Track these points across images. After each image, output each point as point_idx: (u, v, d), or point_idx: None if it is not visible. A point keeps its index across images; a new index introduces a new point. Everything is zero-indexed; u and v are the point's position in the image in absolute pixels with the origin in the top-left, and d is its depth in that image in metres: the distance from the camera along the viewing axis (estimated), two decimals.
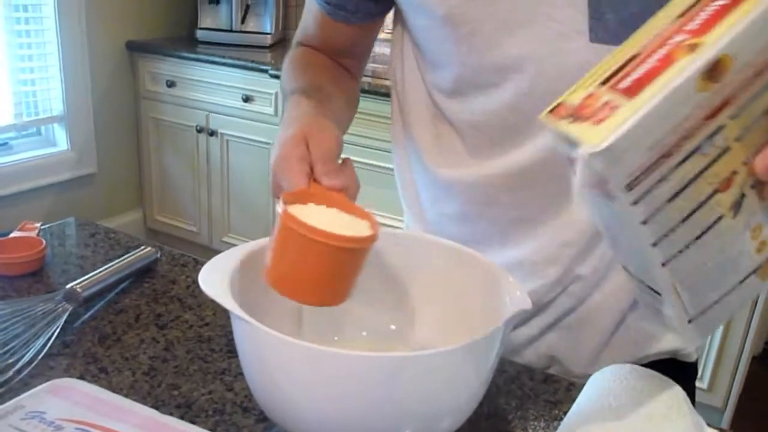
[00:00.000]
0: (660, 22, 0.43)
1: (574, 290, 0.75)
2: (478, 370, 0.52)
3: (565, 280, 0.74)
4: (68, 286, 0.73)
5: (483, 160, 0.74)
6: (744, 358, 1.85)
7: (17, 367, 0.62)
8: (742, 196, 0.45)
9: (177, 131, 2.64)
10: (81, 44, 2.51)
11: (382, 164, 2.12)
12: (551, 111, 0.44)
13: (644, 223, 0.43)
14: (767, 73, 0.42)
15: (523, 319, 0.78)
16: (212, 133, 2.54)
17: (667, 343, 0.79)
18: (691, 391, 0.80)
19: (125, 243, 0.91)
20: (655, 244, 0.44)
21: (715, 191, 0.44)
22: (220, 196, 2.61)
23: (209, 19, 2.68)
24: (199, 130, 2.56)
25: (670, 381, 0.57)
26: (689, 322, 0.50)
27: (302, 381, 0.49)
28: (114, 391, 0.60)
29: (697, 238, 0.45)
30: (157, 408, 0.58)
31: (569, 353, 0.78)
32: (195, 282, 0.81)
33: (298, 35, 0.85)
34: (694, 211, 0.44)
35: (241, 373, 0.56)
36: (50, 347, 0.66)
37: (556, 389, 0.67)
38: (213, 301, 0.50)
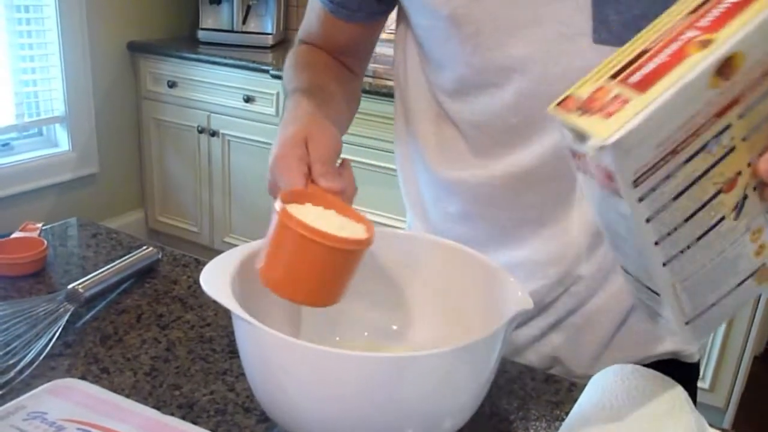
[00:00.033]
0: (669, 18, 0.43)
1: (576, 291, 0.75)
2: (479, 371, 0.52)
3: (567, 281, 0.74)
4: (70, 286, 0.73)
5: (486, 161, 0.74)
6: (746, 358, 1.85)
7: (19, 367, 0.62)
8: (744, 197, 0.45)
9: (178, 132, 2.65)
10: (82, 45, 2.51)
11: (383, 164, 2.12)
12: (559, 104, 0.43)
13: (648, 221, 0.43)
14: None
15: (524, 319, 0.78)
16: (213, 134, 2.54)
17: (668, 344, 0.79)
18: (692, 391, 0.80)
19: (127, 243, 0.91)
20: (657, 243, 0.44)
21: (719, 191, 0.44)
22: (222, 196, 2.61)
23: (210, 19, 2.68)
24: (201, 131, 2.56)
25: (672, 381, 0.57)
26: (686, 323, 0.50)
27: (304, 381, 0.49)
28: (115, 391, 0.60)
29: (699, 238, 0.45)
30: (158, 408, 0.58)
31: (571, 354, 0.78)
32: (196, 282, 0.81)
33: (300, 33, 0.85)
34: (697, 211, 0.44)
35: (243, 374, 0.56)
36: (52, 348, 0.66)
37: (558, 389, 0.67)
38: (214, 302, 0.50)
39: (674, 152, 0.41)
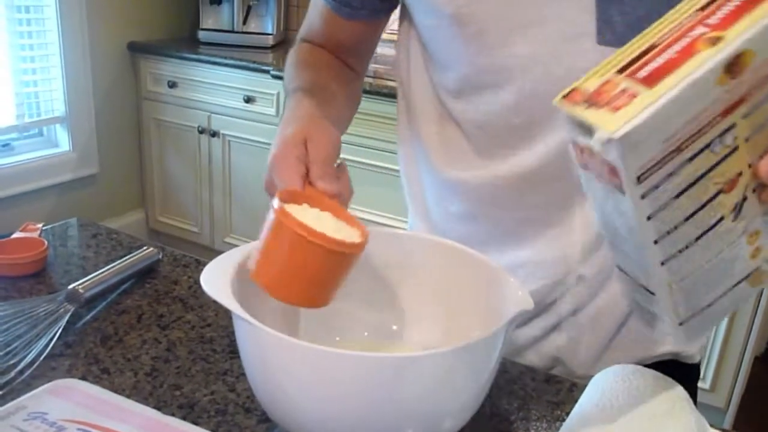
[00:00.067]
0: (677, 15, 0.43)
1: (577, 291, 0.75)
2: (479, 371, 0.52)
3: (568, 281, 0.74)
4: (70, 286, 0.73)
5: (489, 161, 0.74)
6: (746, 359, 1.85)
7: (19, 367, 0.63)
8: (744, 198, 0.45)
9: (179, 132, 2.65)
10: (83, 45, 2.51)
11: (383, 164, 2.12)
12: (565, 96, 0.43)
13: (649, 218, 0.43)
14: None
15: (525, 319, 0.78)
16: (214, 134, 2.54)
17: (669, 344, 0.79)
18: (693, 392, 0.80)
19: (127, 244, 0.91)
20: (656, 242, 0.44)
21: (720, 191, 0.44)
22: (222, 196, 2.61)
23: (211, 19, 2.68)
24: (201, 131, 2.56)
25: (673, 381, 0.57)
26: (680, 324, 0.50)
27: (304, 381, 0.49)
28: (116, 391, 0.60)
29: (698, 238, 0.45)
30: (159, 409, 0.58)
31: (572, 354, 0.78)
32: (197, 282, 0.81)
33: (302, 31, 0.85)
34: (697, 211, 0.44)
35: (243, 374, 0.56)
36: (52, 348, 0.66)
37: (559, 390, 0.66)
38: (215, 302, 0.50)
39: (678, 150, 0.41)
